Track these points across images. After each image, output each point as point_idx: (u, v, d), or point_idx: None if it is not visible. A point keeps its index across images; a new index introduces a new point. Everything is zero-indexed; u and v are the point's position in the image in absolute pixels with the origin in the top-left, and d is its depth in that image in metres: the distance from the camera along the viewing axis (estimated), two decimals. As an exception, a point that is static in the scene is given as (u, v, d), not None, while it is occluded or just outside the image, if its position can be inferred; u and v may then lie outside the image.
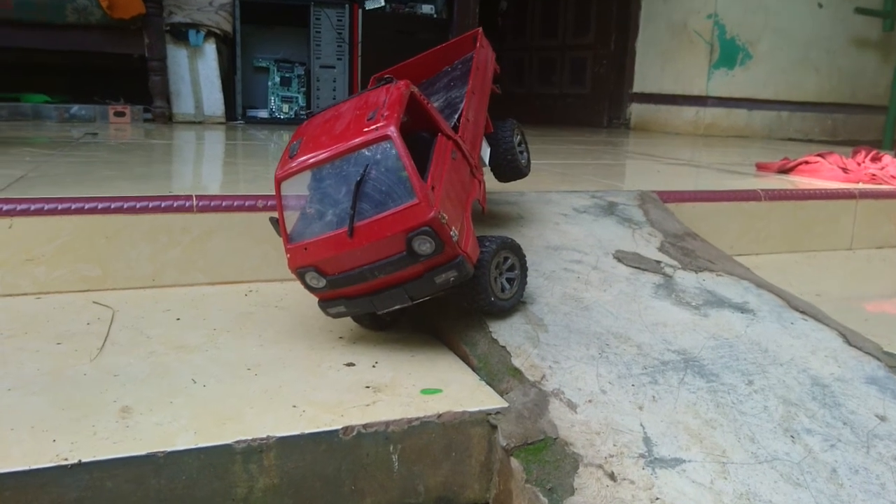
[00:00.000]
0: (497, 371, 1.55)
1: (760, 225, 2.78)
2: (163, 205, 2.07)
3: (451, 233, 1.45)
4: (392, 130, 1.44)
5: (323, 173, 1.52)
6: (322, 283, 1.54)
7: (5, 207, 1.94)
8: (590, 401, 1.46)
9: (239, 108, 6.12)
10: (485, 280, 1.61)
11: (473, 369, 1.59)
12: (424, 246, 1.44)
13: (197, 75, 5.89)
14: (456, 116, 1.79)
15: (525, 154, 2.16)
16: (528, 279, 1.88)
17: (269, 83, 6.53)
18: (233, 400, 1.39)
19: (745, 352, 1.68)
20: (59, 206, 1.98)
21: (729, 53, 6.67)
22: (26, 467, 1.13)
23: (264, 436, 1.25)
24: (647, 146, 5.21)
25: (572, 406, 1.44)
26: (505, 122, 2.09)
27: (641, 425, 1.40)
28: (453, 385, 1.50)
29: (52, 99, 5.70)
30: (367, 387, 1.47)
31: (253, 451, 1.24)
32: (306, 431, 1.28)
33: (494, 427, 1.40)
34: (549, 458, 1.32)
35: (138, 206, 2.04)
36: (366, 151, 1.47)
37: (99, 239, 2.02)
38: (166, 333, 1.71)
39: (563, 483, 1.27)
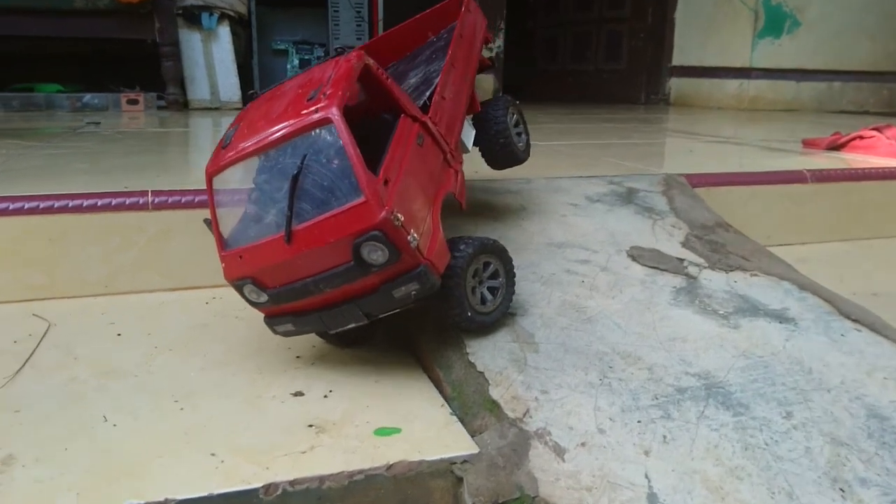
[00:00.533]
0: (472, 403, 1.28)
1: (806, 211, 2.42)
2: (113, 202, 1.83)
3: (409, 237, 1.18)
4: (333, 112, 1.17)
5: (258, 166, 1.27)
6: (263, 297, 1.29)
7: (-66, 209, 1.73)
8: (583, 444, 1.17)
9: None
10: (459, 291, 1.33)
11: (446, 399, 1.32)
12: (375, 254, 1.17)
13: (212, 59, 5.70)
14: (428, 94, 1.51)
15: (524, 136, 1.86)
16: (522, 284, 1.59)
17: (289, 66, 6.31)
18: (141, 445, 1.14)
19: (783, 374, 1.37)
20: (-4, 207, 1.77)
21: (775, 21, 6.20)
22: None
23: (161, 499, 1.00)
24: (684, 123, 4.83)
25: (560, 451, 1.15)
26: (497, 99, 1.79)
27: (647, 477, 1.12)
28: (417, 422, 1.23)
29: (65, 88, 5.57)
30: (311, 425, 1.21)
31: (147, 519, 1.00)
32: (216, 492, 1.02)
33: (460, 479, 1.12)
34: (525, 522, 1.04)
35: (85, 204, 1.82)
36: (304, 139, 1.20)
37: (42, 242, 1.80)
38: (97, 354, 1.48)
39: (540, 560, 0.99)
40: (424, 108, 1.44)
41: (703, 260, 1.77)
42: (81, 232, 1.81)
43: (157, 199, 1.86)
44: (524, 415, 1.22)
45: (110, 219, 1.83)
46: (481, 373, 1.31)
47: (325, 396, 1.31)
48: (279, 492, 1.05)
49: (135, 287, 1.86)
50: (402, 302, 1.25)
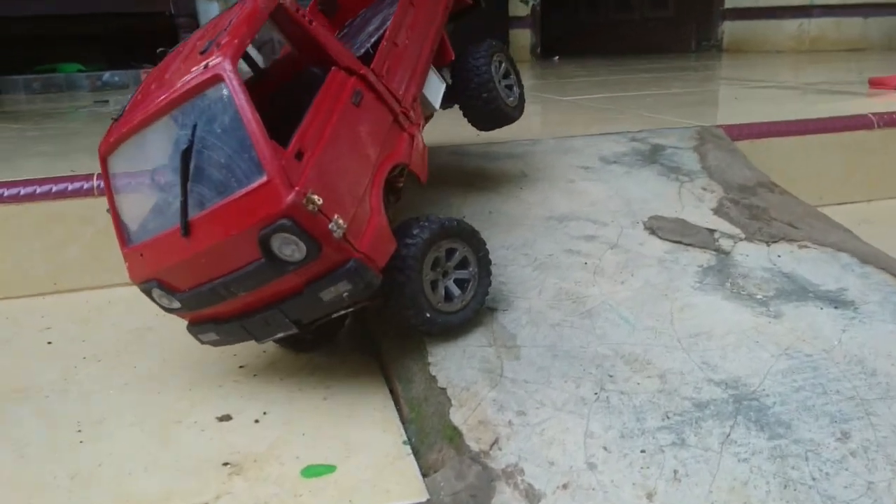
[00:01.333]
0: (430, 429, 1.02)
1: (872, 161, 2.05)
2: (54, 189, 1.62)
3: (332, 225, 0.93)
4: (225, 66, 0.92)
5: (151, 142, 1.03)
6: (175, 303, 1.06)
7: None
8: (565, 486, 0.90)
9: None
10: (412, 287, 1.07)
11: (403, 422, 1.06)
12: (288, 248, 0.93)
13: (231, 30, 5.49)
14: (374, 39, 1.23)
15: (515, 90, 1.54)
16: (510, 269, 1.31)
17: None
18: (18, 494, 0.92)
19: (837, 378, 1.06)
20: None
21: (837, -50, 5.61)
22: None
23: (6, 577, 0.79)
24: (737, 69, 4.38)
25: (533, 497, 0.89)
26: (479, 44, 1.48)
27: (648, 531, 0.84)
28: (360, 455, 0.98)
29: (87, 68, 5.46)
30: (226, 463, 0.97)
31: None
32: (75, 567, 0.80)
33: (403, 537, 0.87)
34: None
35: (22, 192, 1.61)
36: (194, 103, 0.96)
37: (-8, 235, 1.61)
38: (16, 368, 1.28)
39: None
40: (370, 58, 1.16)
41: (740, 230, 1.45)
42: (20, 223, 1.61)
43: (102, 184, 1.64)
44: (491, 446, 0.95)
45: (52, 208, 1.62)
46: (443, 389, 1.05)
47: (257, 421, 1.08)
48: (161, 562, 0.82)
49: (86, 284, 1.65)
50: (335, 305, 1.00)
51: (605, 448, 0.95)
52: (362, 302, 1.06)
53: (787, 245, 1.40)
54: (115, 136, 1.05)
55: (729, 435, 0.97)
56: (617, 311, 1.21)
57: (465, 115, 1.51)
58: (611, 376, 1.07)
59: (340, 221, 0.94)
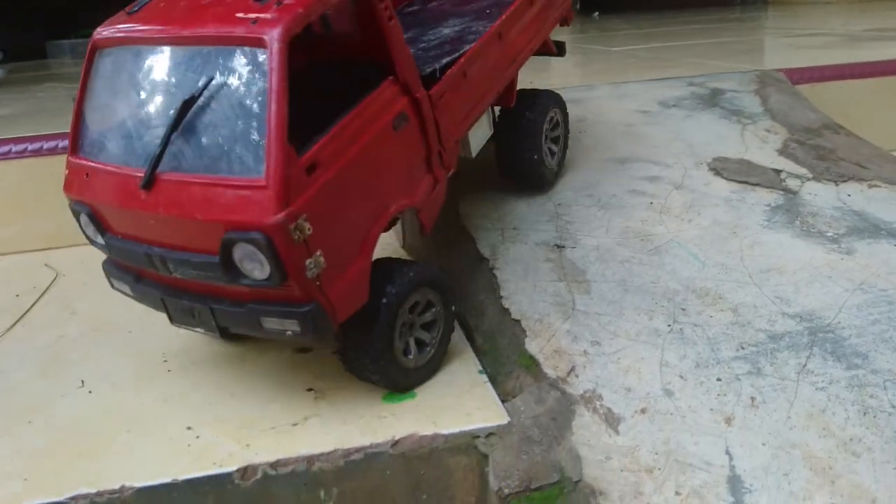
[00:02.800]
0: (505, 359, 1.04)
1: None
2: (121, 138, 1.66)
3: (309, 261, 0.81)
4: (275, 35, 0.79)
5: (152, 63, 0.90)
6: (99, 239, 0.96)
7: (-64, 155, 1.61)
8: (643, 410, 0.92)
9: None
10: (379, 345, 0.93)
11: (477, 353, 1.09)
12: (251, 264, 0.81)
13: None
14: (445, 61, 1.09)
15: (557, 156, 1.39)
16: (574, 210, 1.32)
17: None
18: (112, 417, 0.98)
19: (915, 311, 1.06)
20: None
21: None
22: None
23: (117, 486, 0.83)
24: (785, 20, 4.26)
25: (613, 421, 0.91)
26: (538, 94, 1.35)
27: (728, 453, 0.86)
28: (438, 383, 1.01)
29: (129, 31, 5.51)
30: (310, 389, 1.01)
31: (100, 511, 0.83)
32: (181, 478, 0.84)
33: (487, 456, 0.90)
34: (565, 515, 0.81)
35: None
36: (222, 53, 0.83)
37: (50, 187, 1.65)
38: (95, 308, 1.33)
39: (581, 567, 0.76)
40: (432, 79, 1.04)
41: (806, 170, 1.43)
42: (91, 173, 1.66)
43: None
44: (568, 373, 0.97)
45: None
46: (517, 321, 1.07)
47: (334, 352, 1.10)
48: (258, 475, 0.86)
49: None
50: (271, 334, 0.89)
51: (680, 376, 0.96)
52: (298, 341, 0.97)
53: (857, 184, 1.38)
54: (120, 33, 0.92)
55: (805, 365, 0.97)
56: (686, 249, 1.21)
57: (497, 166, 1.35)
58: (683, 309, 1.07)
59: (321, 259, 0.82)
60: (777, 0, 6.31)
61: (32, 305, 1.37)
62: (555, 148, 1.39)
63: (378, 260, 0.95)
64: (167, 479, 0.84)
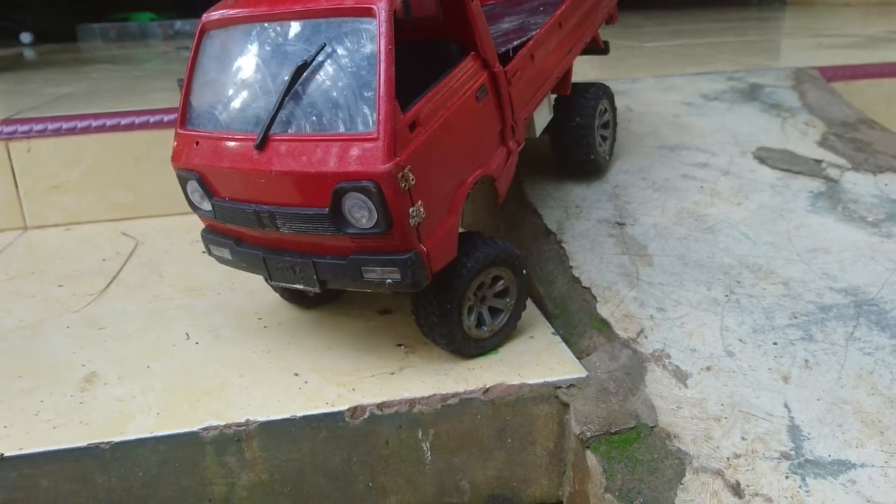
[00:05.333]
0: (577, 322, 1.14)
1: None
2: (194, 117, 1.75)
3: (412, 209, 0.88)
4: (384, 3, 0.88)
5: (262, 39, 0.98)
6: (206, 205, 1.02)
7: (21, 129, 1.71)
8: (708, 368, 1.01)
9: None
10: (449, 307, 1.00)
11: (547, 318, 1.19)
12: (359, 212, 0.88)
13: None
14: (516, 43, 1.20)
15: (608, 141, 1.50)
16: (631, 191, 1.41)
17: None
18: (223, 364, 1.08)
19: (951, 289, 1.15)
20: (79, 125, 1.73)
21: None
22: (-64, 462, 0.88)
23: (242, 420, 0.93)
24: (807, 20, 4.33)
25: (681, 376, 1.00)
26: (589, 86, 1.45)
27: (786, 406, 0.95)
28: (517, 342, 1.11)
29: (158, 17, 5.61)
30: (399, 345, 1.11)
31: (228, 441, 0.93)
32: (299, 414, 0.94)
33: (567, 405, 1.00)
34: (642, 455, 0.91)
35: (166, 119, 1.75)
36: (332, 24, 0.91)
37: (127, 160, 1.76)
38: (182, 272, 1.43)
39: (661, 497, 0.86)
40: (504, 60, 1.12)
41: (846, 160, 1.52)
42: (165, 148, 1.75)
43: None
44: (638, 334, 1.07)
45: (192, 134, 1.75)
46: (587, 288, 1.17)
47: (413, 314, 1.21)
48: (366, 415, 0.96)
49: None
50: (370, 285, 0.94)
51: (740, 340, 1.06)
52: (394, 291, 1.00)
53: (894, 175, 1.48)
54: (228, 15, 0.99)
55: (853, 333, 1.07)
56: (737, 229, 1.30)
57: (553, 152, 1.46)
58: (738, 282, 1.17)
59: (421, 210, 0.89)
60: (796, 0, 6.38)
61: (121, 269, 1.47)
62: (605, 136, 1.49)
63: (461, 232, 1.01)
64: (287, 415, 0.94)
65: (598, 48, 1.55)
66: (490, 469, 1.02)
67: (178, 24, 5.38)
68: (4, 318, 1.27)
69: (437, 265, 0.94)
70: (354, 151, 0.86)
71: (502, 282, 1.07)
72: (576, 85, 1.42)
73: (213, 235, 1.06)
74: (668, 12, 5.72)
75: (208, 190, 1.00)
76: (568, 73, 1.37)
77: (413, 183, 0.87)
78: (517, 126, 1.13)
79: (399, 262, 0.90)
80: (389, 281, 0.91)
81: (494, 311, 1.08)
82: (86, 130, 1.73)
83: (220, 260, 1.08)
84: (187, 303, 1.30)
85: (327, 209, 0.88)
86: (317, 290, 0.97)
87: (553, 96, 1.40)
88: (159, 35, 5.35)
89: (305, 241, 0.94)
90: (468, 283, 1.01)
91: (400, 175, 0.85)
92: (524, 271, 1.08)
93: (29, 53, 4.35)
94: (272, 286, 1.21)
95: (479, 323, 1.06)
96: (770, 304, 1.12)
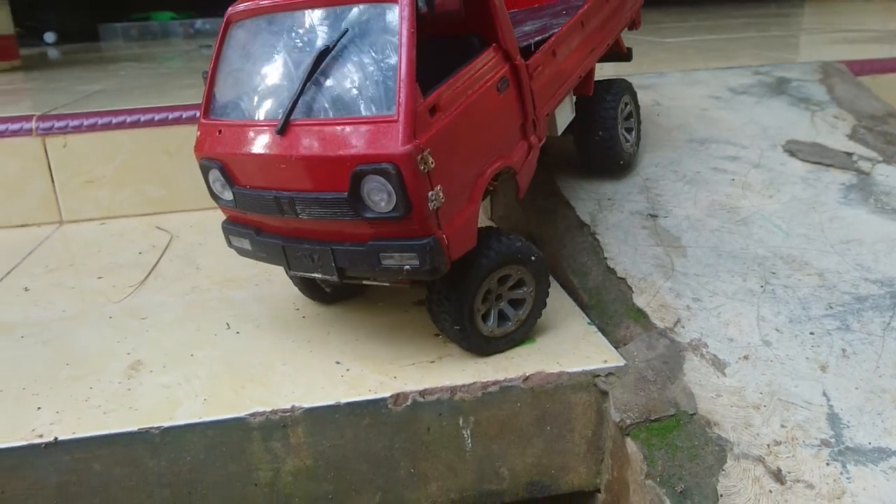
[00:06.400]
0: (613, 312, 1.15)
1: None
2: (225, 112, 1.78)
3: (431, 193, 0.87)
4: None
5: (285, 27, 0.99)
6: (227, 194, 1.02)
7: (57, 124, 1.74)
8: (746, 357, 1.02)
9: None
10: (462, 300, 1.00)
11: (582, 308, 1.20)
12: (378, 195, 0.87)
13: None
14: (538, 38, 1.21)
15: (634, 133, 1.49)
16: (662, 184, 1.42)
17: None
18: (265, 352, 1.10)
19: None
20: (114, 120, 1.76)
21: None
22: (-6, 446, 0.90)
23: (288, 406, 0.95)
24: (827, 15, 4.30)
25: (719, 365, 1.01)
26: (611, 83, 1.44)
27: (825, 395, 0.96)
28: (553, 332, 1.12)
29: (178, 16, 5.66)
30: (437, 335, 1.12)
31: (274, 427, 0.95)
32: (343, 401, 0.96)
33: (605, 393, 1.01)
34: (683, 442, 0.92)
35: (197, 115, 1.77)
36: (354, 10, 0.92)
37: (160, 156, 1.79)
38: (217, 264, 1.45)
39: (702, 483, 0.87)
40: (526, 54, 1.12)
41: (876, 153, 1.52)
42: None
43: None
44: (675, 324, 1.08)
45: (223, 129, 1.78)
46: (622, 279, 1.18)
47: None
48: (408, 402, 0.97)
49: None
50: (388, 273, 0.94)
51: (777, 329, 1.07)
52: (411, 279, 1.00)
53: (926, 167, 1.47)
54: (251, 6, 1.01)
55: (889, 323, 1.07)
56: (770, 221, 1.31)
57: (577, 151, 1.45)
58: (773, 273, 1.18)
59: (441, 194, 0.88)
60: (814, -4, 6.32)
61: (158, 261, 1.49)
62: (629, 133, 1.49)
63: (480, 227, 1.01)
64: (331, 402, 0.96)
65: (621, 54, 1.55)
66: (529, 456, 1.03)
67: (199, 22, 5.43)
68: (47, 309, 1.29)
69: (456, 253, 0.94)
70: (374, 134, 0.86)
71: (521, 288, 1.06)
72: (596, 83, 1.41)
73: (234, 226, 1.07)
74: (685, 8, 5.69)
75: (230, 178, 1.00)
76: (591, 73, 1.37)
77: (432, 166, 0.87)
78: (539, 121, 1.13)
79: (417, 247, 0.89)
80: (408, 267, 0.91)
81: (516, 305, 1.07)
82: (120, 126, 1.76)
83: (240, 251, 1.09)
84: (225, 294, 1.32)
85: (346, 193, 0.88)
86: (335, 278, 0.97)
87: (575, 97, 1.40)
88: (180, 34, 5.40)
89: (324, 228, 0.95)
90: (482, 279, 1.00)
91: (419, 157, 0.85)
92: (543, 272, 1.06)
93: (53, 53, 4.41)
94: (291, 279, 1.22)
95: (494, 320, 1.05)
96: (805, 294, 1.13)
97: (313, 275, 1.01)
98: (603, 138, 1.40)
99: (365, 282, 1.05)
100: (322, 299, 1.25)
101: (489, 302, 1.04)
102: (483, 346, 1.05)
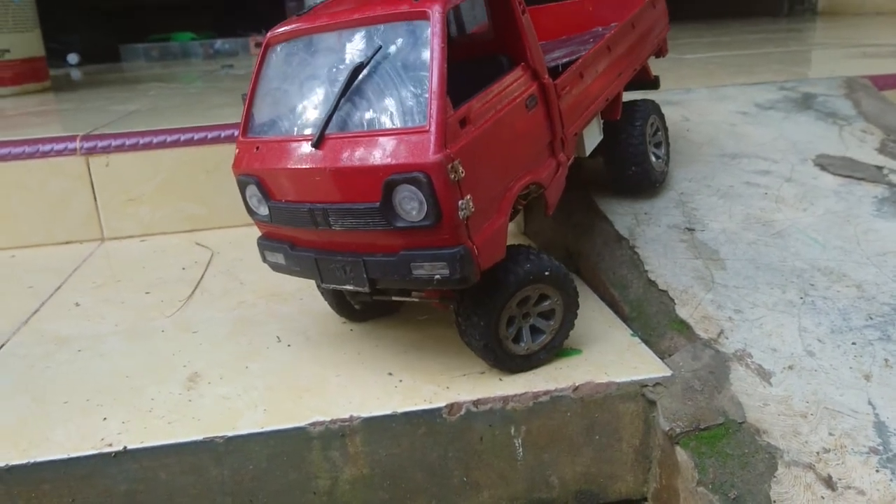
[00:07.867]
0: (656, 324, 1.17)
1: None
2: (262, 131, 1.82)
3: (461, 202, 0.90)
4: (436, 9, 0.93)
5: (322, 48, 1.03)
6: (263, 209, 1.06)
7: (100, 144, 1.79)
8: (790, 367, 1.04)
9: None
10: (489, 316, 1.02)
11: (624, 320, 1.22)
12: (409, 204, 0.90)
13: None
14: (565, 60, 1.25)
15: (663, 149, 1.52)
16: (696, 198, 1.45)
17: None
18: (318, 364, 1.13)
19: None
20: (155, 140, 1.81)
21: None
22: (65, 455, 0.94)
23: (346, 416, 0.98)
24: (841, 30, 4.33)
25: (765, 375, 1.04)
26: (637, 107, 1.46)
27: (870, 403, 0.98)
28: (597, 343, 1.15)
29: (198, 36, 5.76)
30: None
31: (333, 436, 0.98)
32: (399, 410, 0.99)
33: (653, 403, 1.03)
34: (733, 450, 0.94)
35: (236, 133, 1.82)
36: (387, 29, 0.96)
37: (199, 174, 1.83)
38: (261, 279, 1.49)
39: (754, 490, 0.89)
40: (554, 75, 1.15)
41: (907, 167, 1.55)
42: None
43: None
44: (718, 335, 1.10)
45: (261, 148, 1.82)
46: (664, 291, 1.20)
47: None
48: (462, 412, 1.00)
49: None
50: (418, 282, 0.96)
51: (819, 340, 1.09)
52: (441, 292, 1.04)
53: (956, 180, 1.50)
54: (290, 30, 1.05)
55: (930, 333, 1.09)
56: (805, 233, 1.33)
57: (608, 174, 1.48)
58: (812, 285, 1.20)
59: (471, 203, 0.91)
60: (826, 10, 6.36)
61: (202, 276, 1.53)
62: (659, 152, 1.51)
63: (510, 245, 1.03)
64: (388, 411, 0.99)
65: (648, 81, 1.59)
66: (578, 465, 1.06)
67: (218, 43, 5.51)
68: (100, 323, 1.33)
69: (486, 263, 0.96)
70: (406, 144, 0.89)
71: (547, 303, 1.07)
72: (623, 107, 1.44)
73: (269, 242, 1.10)
74: (698, 25, 5.74)
75: (266, 193, 1.03)
76: (618, 97, 1.40)
77: (462, 176, 0.89)
78: (567, 140, 1.16)
79: (448, 256, 0.91)
80: (438, 276, 0.93)
81: (536, 331, 1.08)
82: (161, 145, 1.80)
83: (274, 266, 1.11)
84: (272, 308, 1.35)
85: (378, 203, 0.91)
86: (365, 289, 0.99)
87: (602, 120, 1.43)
88: (200, 54, 5.49)
89: (356, 240, 0.97)
90: (510, 295, 1.02)
91: (450, 166, 0.87)
92: (565, 280, 1.07)
93: (76, 74, 4.50)
94: (322, 294, 1.26)
95: (527, 338, 1.07)
96: (845, 305, 1.15)
97: (345, 287, 1.03)
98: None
99: (394, 297, 1.08)
100: (351, 317, 1.27)
101: (515, 324, 1.06)
102: (508, 362, 1.06)
